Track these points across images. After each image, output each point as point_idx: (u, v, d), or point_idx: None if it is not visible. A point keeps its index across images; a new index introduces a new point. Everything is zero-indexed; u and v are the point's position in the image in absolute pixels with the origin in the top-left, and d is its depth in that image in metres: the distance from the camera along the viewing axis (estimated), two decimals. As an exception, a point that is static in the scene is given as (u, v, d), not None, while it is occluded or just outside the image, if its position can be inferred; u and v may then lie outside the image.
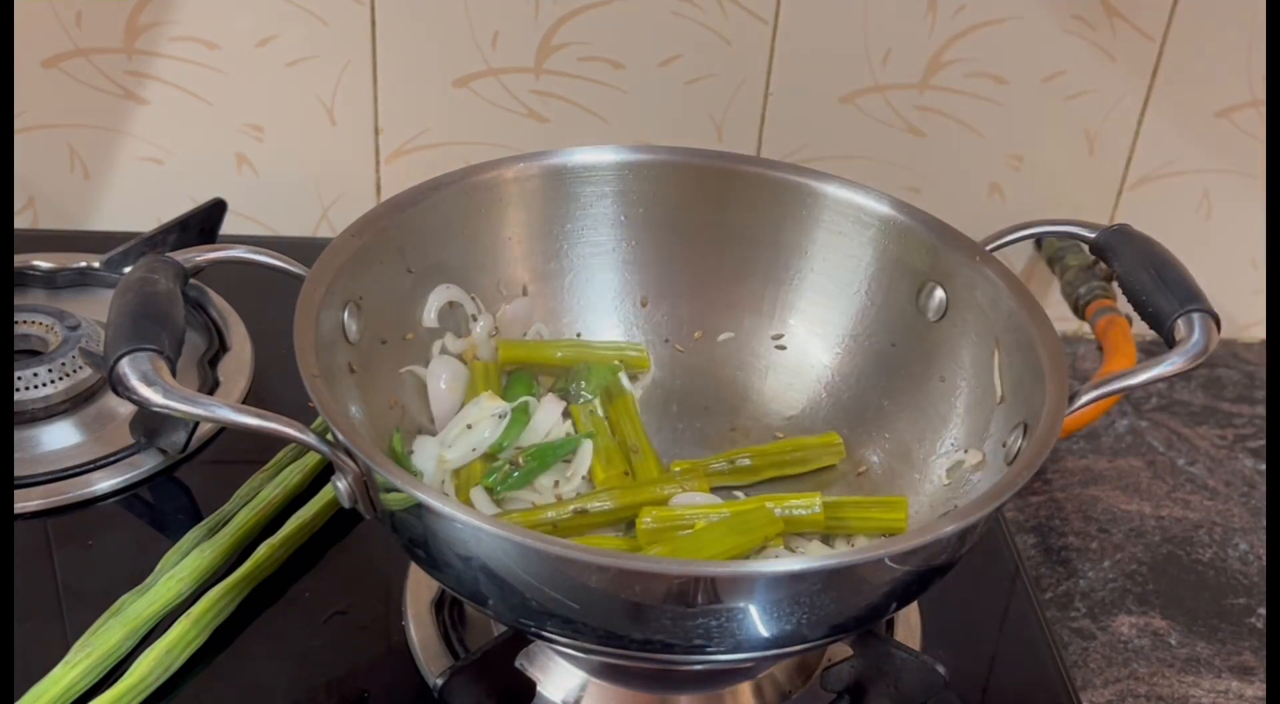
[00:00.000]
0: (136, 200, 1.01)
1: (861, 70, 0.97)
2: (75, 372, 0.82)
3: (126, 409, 0.82)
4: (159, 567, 0.72)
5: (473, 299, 0.75)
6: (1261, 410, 0.99)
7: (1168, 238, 0.70)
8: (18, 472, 0.78)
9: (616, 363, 0.76)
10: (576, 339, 0.78)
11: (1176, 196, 1.02)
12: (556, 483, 0.72)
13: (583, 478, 0.72)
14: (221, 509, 0.76)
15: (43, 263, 0.92)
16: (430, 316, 0.73)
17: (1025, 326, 0.67)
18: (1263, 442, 0.96)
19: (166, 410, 0.58)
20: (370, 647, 0.71)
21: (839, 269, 0.76)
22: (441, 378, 0.73)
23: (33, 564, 0.73)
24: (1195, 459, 0.95)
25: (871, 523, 0.69)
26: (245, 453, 0.80)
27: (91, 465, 0.79)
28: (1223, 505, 0.91)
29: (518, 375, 0.75)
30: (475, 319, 0.75)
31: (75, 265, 0.92)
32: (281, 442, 0.69)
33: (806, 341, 0.78)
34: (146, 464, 0.79)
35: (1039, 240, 1.02)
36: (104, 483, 0.78)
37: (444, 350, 0.74)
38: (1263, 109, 0.98)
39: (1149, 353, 0.72)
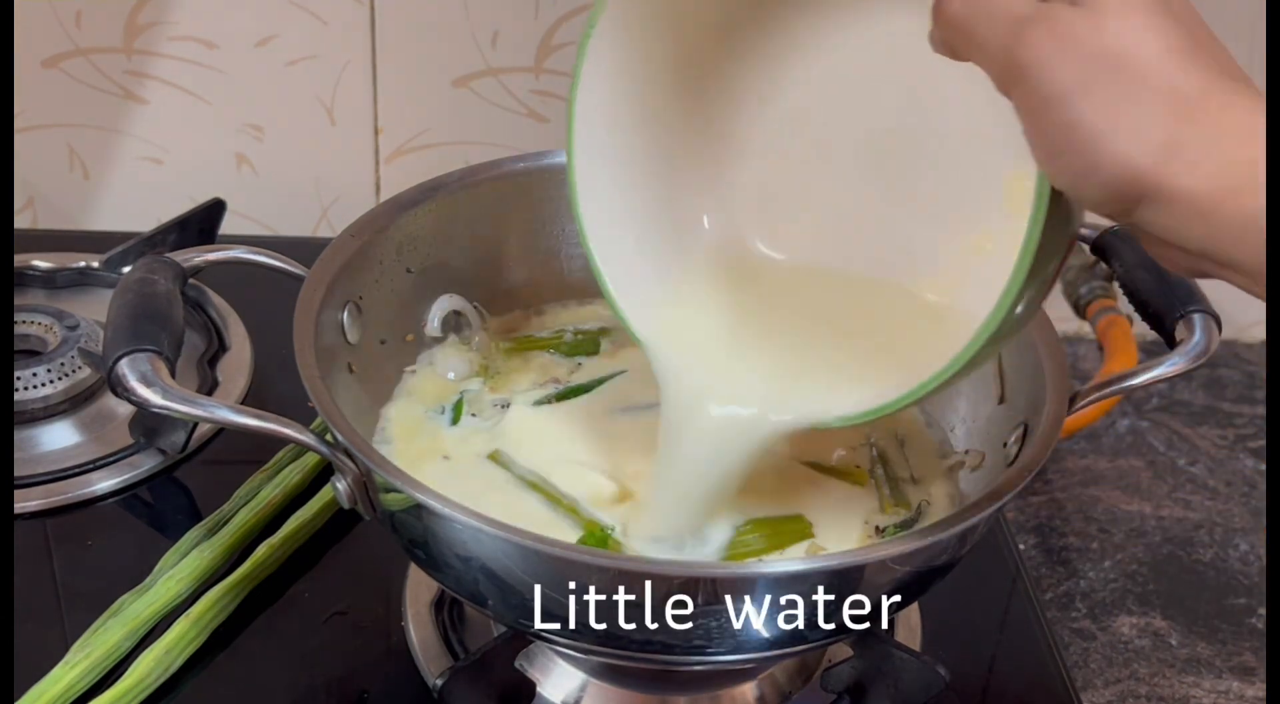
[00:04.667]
0: (136, 200, 1.01)
1: (862, 70, 0.97)
2: (75, 372, 0.82)
3: (126, 409, 0.82)
4: (158, 567, 0.72)
5: (474, 307, 0.75)
6: (1262, 410, 0.99)
7: (1168, 238, 0.70)
8: (17, 472, 0.77)
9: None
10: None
11: (1177, 196, 1.02)
12: None
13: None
14: (221, 509, 0.75)
15: (42, 263, 0.92)
16: (433, 325, 0.73)
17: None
18: (1263, 442, 0.96)
19: (165, 411, 0.57)
20: (370, 647, 0.71)
21: (839, 269, 0.76)
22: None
23: (32, 564, 0.73)
24: (1196, 459, 0.95)
25: None
26: (245, 453, 0.80)
27: (91, 465, 0.79)
28: (1223, 505, 0.90)
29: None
30: (475, 325, 0.75)
31: (75, 265, 0.92)
32: (281, 442, 0.69)
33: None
34: (146, 464, 0.79)
35: (1039, 240, 1.01)
36: (103, 483, 0.78)
37: (445, 354, 0.74)
38: (1263, 109, 0.97)
39: (1149, 353, 0.72)
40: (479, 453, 0.68)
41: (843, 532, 0.65)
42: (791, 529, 0.65)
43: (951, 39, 0.45)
